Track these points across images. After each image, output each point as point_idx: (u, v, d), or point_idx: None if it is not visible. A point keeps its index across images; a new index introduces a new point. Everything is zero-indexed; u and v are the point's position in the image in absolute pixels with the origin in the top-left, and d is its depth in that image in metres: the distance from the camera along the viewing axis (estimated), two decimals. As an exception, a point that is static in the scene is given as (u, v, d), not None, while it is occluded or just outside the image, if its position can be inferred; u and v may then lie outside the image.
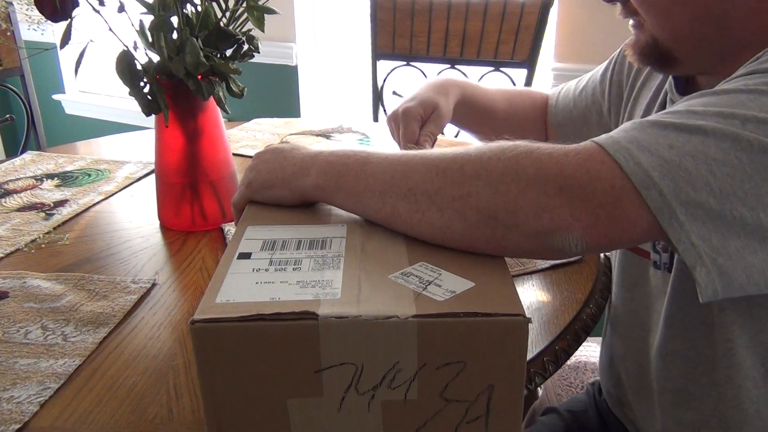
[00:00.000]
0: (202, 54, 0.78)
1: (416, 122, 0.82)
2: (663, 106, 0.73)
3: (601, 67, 0.91)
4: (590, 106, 0.90)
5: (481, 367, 0.48)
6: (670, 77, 0.71)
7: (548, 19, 1.56)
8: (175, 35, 0.81)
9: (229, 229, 0.92)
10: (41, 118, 1.88)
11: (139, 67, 0.81)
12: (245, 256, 0.56)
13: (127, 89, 0.81)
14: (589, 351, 1.16)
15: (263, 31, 0.84)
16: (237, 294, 0.50)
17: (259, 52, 0.88)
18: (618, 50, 0.87)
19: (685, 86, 0.70)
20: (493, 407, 0.49)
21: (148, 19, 0.80)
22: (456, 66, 1.68)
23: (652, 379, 0.75)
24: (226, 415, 0.49)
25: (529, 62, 1.59)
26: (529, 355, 0.64)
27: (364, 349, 0.47)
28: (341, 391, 0.48)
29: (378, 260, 0.55)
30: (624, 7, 0.65)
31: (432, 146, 0.82)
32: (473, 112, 0.94)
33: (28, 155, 1.22)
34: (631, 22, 0.66)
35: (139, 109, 0.82)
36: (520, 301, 0.48)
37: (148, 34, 0.81)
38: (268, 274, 0.53)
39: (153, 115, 0.84)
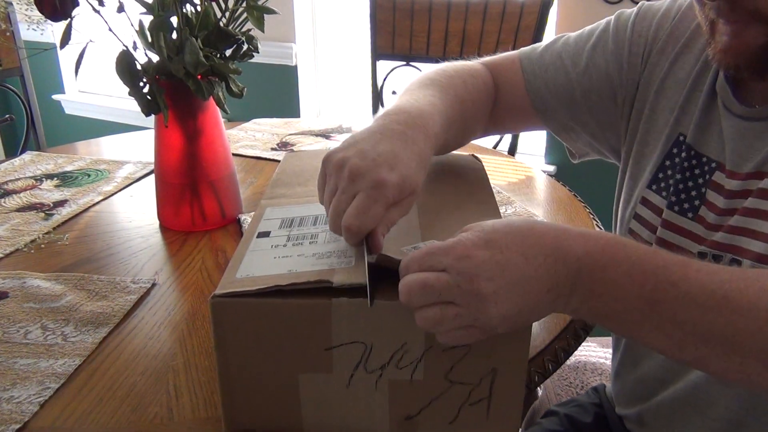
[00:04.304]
0: (201, 54, 0.78)
1: (385, 206, 0.53)
2: (706, 112, 0.67)
3: (601, 40, 0.79)
4: (601, 91, 0.78)
5: (485, 351, 0.50)
6: (720, 76, 0.66)
7: (548, 19, 1.56)
8: (174, 35, 0.81)
9: (246, 218, 0.93)
10: (41, 119, 1.88)
11: (138, 67, 0.81)
12: (264, 234, 0.58)
13: (127, 89, 0.81)
14: (589, 351, 1.16)
15: (263, 31, 0.84)
16: (256, 269, 0.52)
17: (258, 52, 0.88)
18: (627, 26, 0.77)
19: (734, 87, 0.65)
20: (496, 391, 0.51)
21: (148, 19, 0.80)
22: (456, 66, 1.68)
23: (697, 404, 0.68)
24: (240, 388, 0.51)
25: (528, 62, 1.59)
26: (529, 355, 0.64)
27: (373, 329, 0.49)
28: (350, 369, 0.50)
29: (392, 232, 0.56)
30: (731, 4, 0.56)
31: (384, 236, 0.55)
32: (441, 150, 0.74)
33: (27, 155, 1.22)
34: (721, 22, 0.58)
35: (138, 109, 0.82)
36: None
37: (148, 34, 0.81)
38: (285, 249, 0.55)
39: (153, 115, 0.84)
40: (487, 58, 0.87)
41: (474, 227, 0.49)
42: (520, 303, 0.46)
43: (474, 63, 0.86)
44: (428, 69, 0.81)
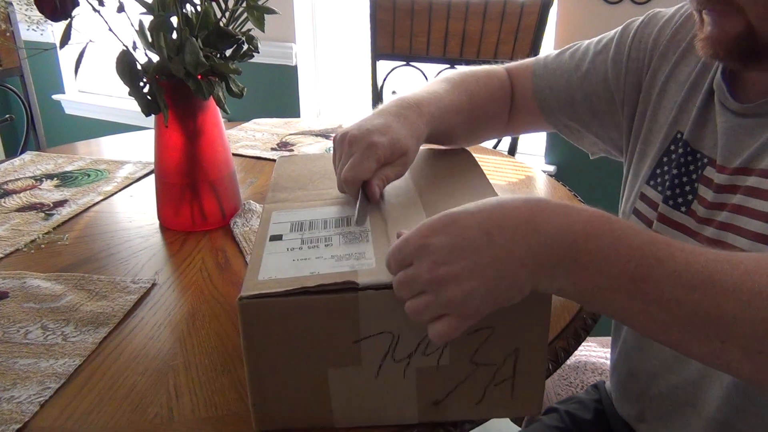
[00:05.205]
0: (201, 54, 0.78)
1: (376, 162, 0.65)
2: (704, 110, 0.68)
3: (605, 47, 0.82)
4: (600, 94, 0.81)
5: (508, 331, 0.51)
6: (718, 75, 0.67)
7: (548, 19, 1.56)
8: (174, 35, 0.81)
9: (236, 221, 0.93)
10: (41, 119, 1.88)
11: (138, 67, 0.81)
12: (277, 238, 0.58)
13: (127, 89, 0.81)
14: (589, 350, 1.16)
15: (263, 31, 0.84)
16: (277, 271, 0.52)
17: (258, 52, 0.88)
18: (630, 32, 0.79)
19: (731, 84, 0.66)
20: (519, 370, 0.52)
21: (148, 19, 0.80)
22: (455, 66, 1.68)
23: (695, 403, 0.68)
24: (271, 387, 0.52)
25: (528, 62, 1.59)
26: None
27: (400, 318, 0.49)
28: (378, 360, 0.51)
29: (402, 224, 0.58)
30: None
31: (382, 191, 0.66)
32: (440, 137, 0.81)
33: (27, 155, 1.22)
34: (704, 12, 0.60)
35: (138, 109, 0.82)
36: None
37: (148, 34, 0.81)
38: (302, 252, 0.55)
39: (153, 115, 0.84)
40: (509, 63, 0.93)
41: (442, 212, 0.49)
42: (488, 282, 0.46)
43: (497, 66, 0.92)
44: (449, 71, 0.90)
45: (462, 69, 0.89)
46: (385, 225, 0.59)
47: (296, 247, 0.56)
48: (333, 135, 1.33)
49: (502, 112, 0.90)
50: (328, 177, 0.72)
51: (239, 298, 0.49)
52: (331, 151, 0.72)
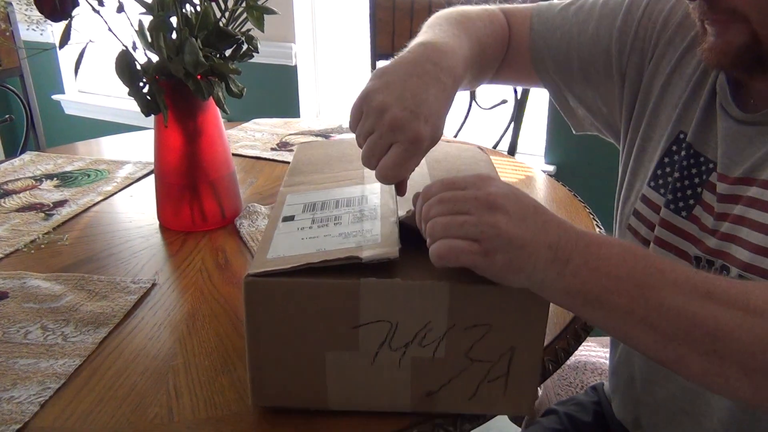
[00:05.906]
0: (201, 54, 0.78)
1: (420, 158, 0.59)
2: (707, 111, 0.67)
3: (613, 12, 0.76)
4: (599, 66, 0.77)
5: (505, 329, 0.52)
6: (721, 76, 0.66)
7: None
8: (174, 35, 0.81)
9: (242, 222, 0.93)
10: (40, 119, 1.88)
11: (138, 67, 0.81)
12: (289, 219, 0.60)
13: (127, 89, 0.81)
14: (589, 351, 1.16)
15: (263, 31, 0.84)
16: (286, 249, 0.54)
17: (258, 52, 0.88)
18: (641, 4, 0.74)
19: (735, 88, 0.65)
20: (513, 368, 0.53)
21: (148, 20, 0.80)
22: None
23: (693, 411, 0.68)
24: (268, 365, 0.53)
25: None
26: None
27: (400, 308, 0.51)
28: (375, 347, 0.52)
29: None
30: (709, 3, 0.57)
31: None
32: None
33: (27, 156, 1.22)
34: (706, 22, 0.59)
35: (138, 109, 0.82)
36: None
37: (148, 34, 0.81)
38: (311, 231, 0.57)
39: (152, 116, 0.84)
40: (505, 6, 0.87)
41: None
42: (524, 238, 0.47)
43: (493, 8, 0.85)
44: (448, 10, 0.80)
45: (463, 10, 0.80)
46: (395, 204, 0.60)
47: (306, 227, 0.57)
48: (332, 135, 1.34)
49: (498, 60, 0.84)
50: (345, 159, 0.73)
51: (245, 275, 0.50)
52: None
